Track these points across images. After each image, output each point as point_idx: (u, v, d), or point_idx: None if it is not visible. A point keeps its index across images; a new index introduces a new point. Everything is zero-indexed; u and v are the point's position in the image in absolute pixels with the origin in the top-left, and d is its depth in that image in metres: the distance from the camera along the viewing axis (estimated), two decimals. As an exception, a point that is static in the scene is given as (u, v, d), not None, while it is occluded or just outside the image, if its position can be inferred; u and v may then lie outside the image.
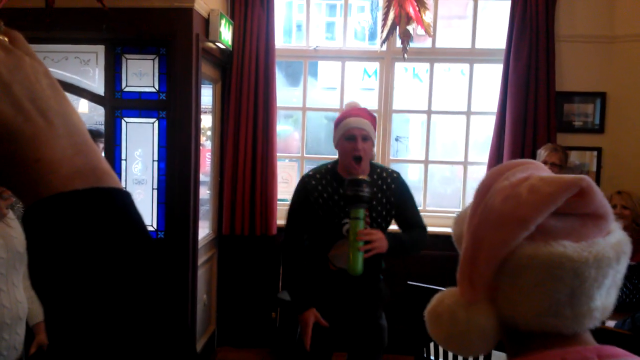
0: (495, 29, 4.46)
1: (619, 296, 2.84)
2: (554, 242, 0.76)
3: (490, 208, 0.80)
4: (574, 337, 0.79)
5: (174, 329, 0.43)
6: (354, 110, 2.53)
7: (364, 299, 2.63)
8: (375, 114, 2.63)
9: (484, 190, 0.82)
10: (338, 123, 2.56)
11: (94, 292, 0.40)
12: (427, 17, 4.11)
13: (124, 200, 0.45)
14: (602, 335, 2.50)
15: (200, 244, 3.84)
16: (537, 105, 4.15)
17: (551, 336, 0.78)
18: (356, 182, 2.28)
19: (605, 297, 0.77)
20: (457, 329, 0.80)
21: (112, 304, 0.40)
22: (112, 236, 0.42)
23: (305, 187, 2.55)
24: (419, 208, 2.73)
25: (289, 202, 2.69)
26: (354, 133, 2.45)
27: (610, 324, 2.66)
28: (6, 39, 0.45)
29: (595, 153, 4.31)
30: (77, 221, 0.41)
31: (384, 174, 2.56)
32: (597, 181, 4.30)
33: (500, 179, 0.81)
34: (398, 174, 2.60)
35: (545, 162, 3.81)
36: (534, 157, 4.00)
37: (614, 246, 0.77)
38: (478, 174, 4.49)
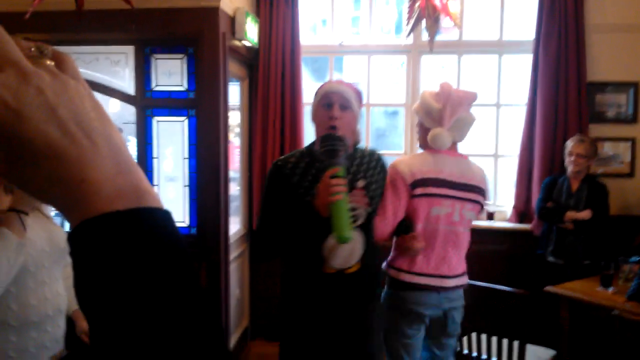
0: (523, 19, 4.40)
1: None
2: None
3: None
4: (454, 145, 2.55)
5: (210, 343, 0.45)
6: (336, 80, 2.29)
7: (361, 316, 2.26)
8: (361, 91, 2.29)
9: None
10: (317, 90, 2.27)
11: (133, 308, 0.42)
12: (454, 7, 4.06)
13: (163, 219, 0.46)
14: (639, 328, 2.46)
15: (232, 240, 3.87)
16: (568, 96, 4.09)
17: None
18: (329, 137, 2.02)
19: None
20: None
21: (149, 318, 0.42)
22: (150, 256, 0.43)
23: (280, 172, 2.20)
24: None
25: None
26: (331, 99, 2.16)
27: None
28: (53, 63, 0.46)
29: (629, 144, 4.22)
30: (119, 242, 0.42)
31: (368, 156, 2.31)
32: (632, 171, 4.22)
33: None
34: (379, 155, 2.38)
35: (571, 154, 3.76)
36: (564, 148, 3.95)
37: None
38: (509, 166, 4.44)
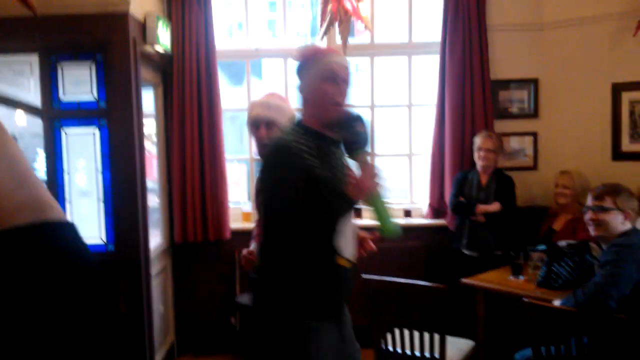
0: (431, 21, 4.56)
1: (563, 274, 2.99)
2: None
3: None
4: None
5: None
6: (335, 51, 2.05)
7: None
8: None
9: None
10: (312, 59, 1.97)
11: (33, 327, 0.41)
12: (365, 10, 4.15)
13: (66, 232, 0.45)
14: (548, 313, 2.63)
15: (153, 254, 3.78)
16: (474, 95, 4.29)
17: None
18: (349, 120, 1.86)
19: None
20: None
21: (46, 335, 0.41)
22: (50, 271, 0.42)
23: (303, 158, 1.87)
24: None
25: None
26: (338, 74, 1.91)
27: (557, 302, 2.80)
28: None
29: (531, 138, 4.50)
30: (16, 258, 0.41)
31: None
32: (535, 164, 4.49)
33: None
34: None
35: (479, 149, 3.96)
36: (472, 144, 4.15)
37: None
38: (422, 164, 4.59)
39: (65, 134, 3.54)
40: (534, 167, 4.50)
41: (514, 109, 4.51)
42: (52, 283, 0.41)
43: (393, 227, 1.82)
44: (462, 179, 4.06)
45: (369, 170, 1.80)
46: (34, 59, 3.54)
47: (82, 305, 0.42)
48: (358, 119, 1.84)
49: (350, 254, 2.00)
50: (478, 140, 4.00)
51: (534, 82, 4.47)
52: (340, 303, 2.06)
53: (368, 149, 1.87)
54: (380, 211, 1.79)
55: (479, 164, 3.99)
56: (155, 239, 4.02)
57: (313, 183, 1.85)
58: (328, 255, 1.93)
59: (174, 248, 4.35)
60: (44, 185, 0.46)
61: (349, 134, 1.83)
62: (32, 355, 0.39)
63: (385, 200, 1.80)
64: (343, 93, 1.92)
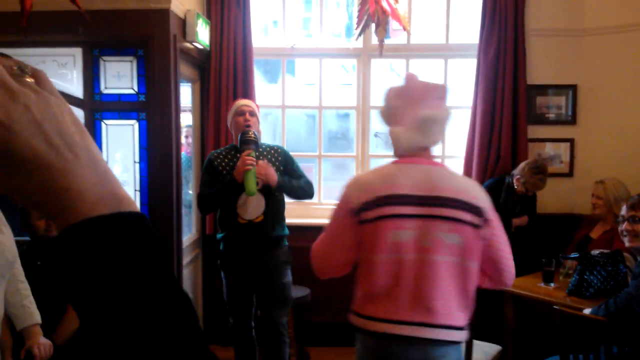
0: (469, 24, 4.53)
1: (595, 283, 2.92)
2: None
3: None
4: (425, 151, 1.99)
5: (191, 339, 0.49)
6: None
7: (271, 254, 3.21)
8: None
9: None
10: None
11: (121, 304, 0.47)
12: (401, 9, 4.14)
13: (141, 221, 0.51)
14: (578, 321, 2.60)
15: (184, 245, 3.85)
16: (505, 99, 4.24)
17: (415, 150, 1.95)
18: (244, 132, 3.12)
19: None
20: None
21: (139, 314, 0.47)
22: (132, 255, 0.48)
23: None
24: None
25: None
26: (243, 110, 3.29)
27: (587, 311, 2.76)
28: (33, 81, 0.50)
29: (568, 144, 4.42)
30: (106, 242, 0.47)
31: (270, 149, 3.31)
32: (571, 171, 4.42)
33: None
34: (281, 147, 3.41)
35: (527, 182, 3.76)
36: (499, 150, 4.08)
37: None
38: (455, 167, 4.56)
39: (105, 125, 3.65)
40: (570, 173, 4.42)
41: (551, 115, 4.44)
42: (136, 263, 0.47)
43: (251, 191, 2.98)
44: (494, 190, 3.91)
45: (243, 159, 3.02)
46: (77, 52, 3.65)
47: (158, 285, 0.48)
48: (249, 132, 3.11)
49: (248, 215, 3.13)
50: (528, 175, 3.74)
51: (573, 88, 4.40)
52: (242, 248, 3.20)
53: (250, 147, 3.06)
54: (248, 181, 2.95)
55: (522, 189, 3.80)
56: (187, 230, 4.10)
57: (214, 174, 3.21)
58: (227, 214, 3.20)
59: (205, 239, 4.42)
60: (119, 182, 0.52)
61: (240, 138, 3.12)
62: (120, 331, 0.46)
63: (251, 176, 2.96)
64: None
